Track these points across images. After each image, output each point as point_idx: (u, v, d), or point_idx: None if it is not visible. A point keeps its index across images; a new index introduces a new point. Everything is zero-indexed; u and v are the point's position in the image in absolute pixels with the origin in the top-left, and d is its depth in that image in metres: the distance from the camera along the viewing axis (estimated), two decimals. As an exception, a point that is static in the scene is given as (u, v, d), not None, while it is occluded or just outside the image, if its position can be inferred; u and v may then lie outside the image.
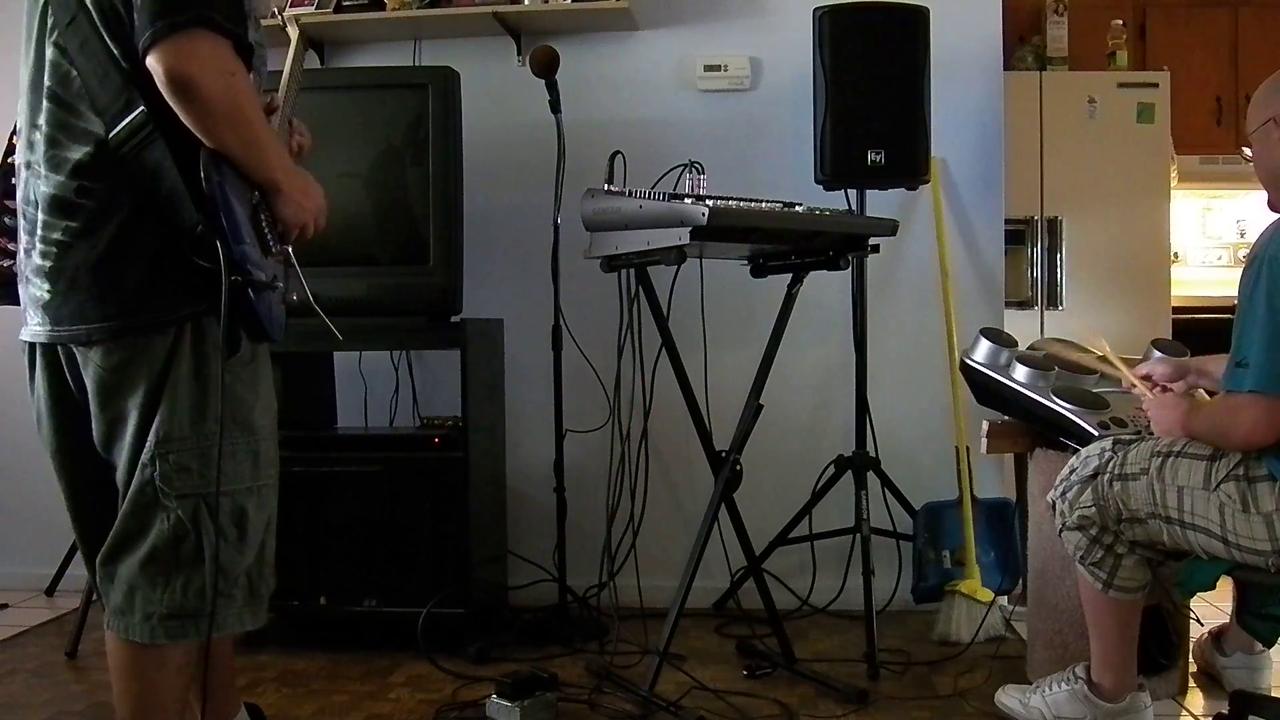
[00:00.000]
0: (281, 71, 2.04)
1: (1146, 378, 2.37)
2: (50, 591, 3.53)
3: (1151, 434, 2.22)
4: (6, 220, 3.23)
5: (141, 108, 1.64)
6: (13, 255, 3.14)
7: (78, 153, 1.70)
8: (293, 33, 2.12)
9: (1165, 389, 2.32)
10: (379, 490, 2.95)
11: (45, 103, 1.73)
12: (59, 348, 1.76)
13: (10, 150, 3.27)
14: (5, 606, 3.44)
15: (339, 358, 3.43)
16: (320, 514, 2.96)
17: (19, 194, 1.78)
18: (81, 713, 2.56)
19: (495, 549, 3.22)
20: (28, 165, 1.76)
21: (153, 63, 1.58)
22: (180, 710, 1.80)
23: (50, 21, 1.71)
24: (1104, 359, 2.51)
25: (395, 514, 2.95)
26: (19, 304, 2.96)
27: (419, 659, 2.83)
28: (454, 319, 3.04)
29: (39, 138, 1.74)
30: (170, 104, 1.60)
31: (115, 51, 1.65)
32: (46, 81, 1.73)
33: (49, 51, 1.72)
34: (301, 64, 2.09)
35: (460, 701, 2.57)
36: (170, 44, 1.57)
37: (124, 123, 1.65)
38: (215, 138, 1.64)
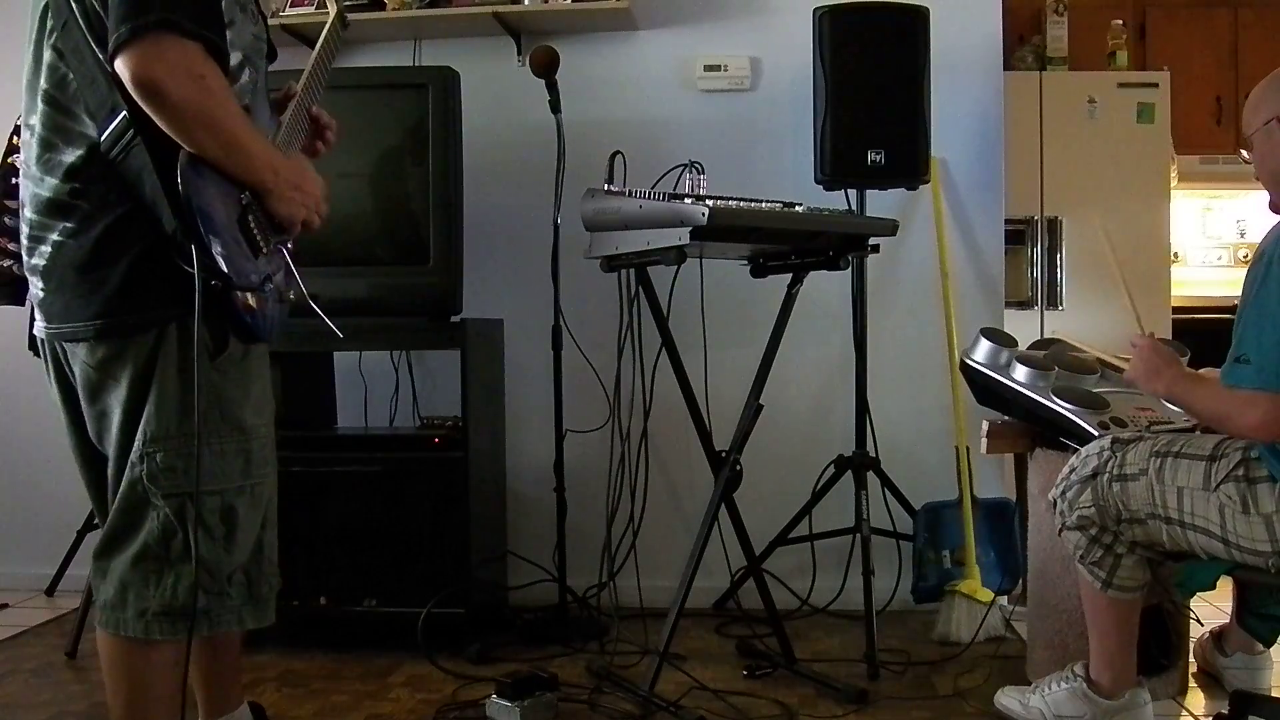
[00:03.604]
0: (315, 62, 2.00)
1: None
2: (50, 591, 3.53)
3: (1152, 434, 2.21)
4: (6, 220, 3.23)
5: (124, 113, 1.64)
6: (13, 255, 3.16)
7: (71, 156, 1.70)
8: (331, 8, 2.08)
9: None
10: (379, 490, 2.95)
11: (40, 105, 1.74)
12: (56, 344, 1.79)
13: (10, 150, 3.28)
14: (5, 606, 3.44)
15: (339, 358, 3.43)
16: (320, 514, 2.96)
17: (20, 194, 1.79)
18: (81, 713, 2.56)
19: (495, 549, 3.23)
20: (25, 166, 1.77)
21: (120, 67, 1.58)
22: (174, 707, 1.81)
23: (50, 24, 1.71)
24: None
25: (395, 514, 2.95)
26: (20, 304, 3.01)
27: (419, 659, 2.83)
28: (454, 319, 3.04)
29: (33, 140, 1.75)
30: (142, 108, 1.60)
31: (100, 56, 1.65)
32: (42, 84, 1.73)
33: (47, 54, 1.72)
34: (334, 47, 2.03)
35: (460, 701, 2.57)
36: (134, 48, 1.56)
37: (110, 128, 1.66)
38: (190, 141, 1.63)
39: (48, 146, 1.73)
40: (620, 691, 2.54)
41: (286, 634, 3.05)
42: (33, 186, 1.74)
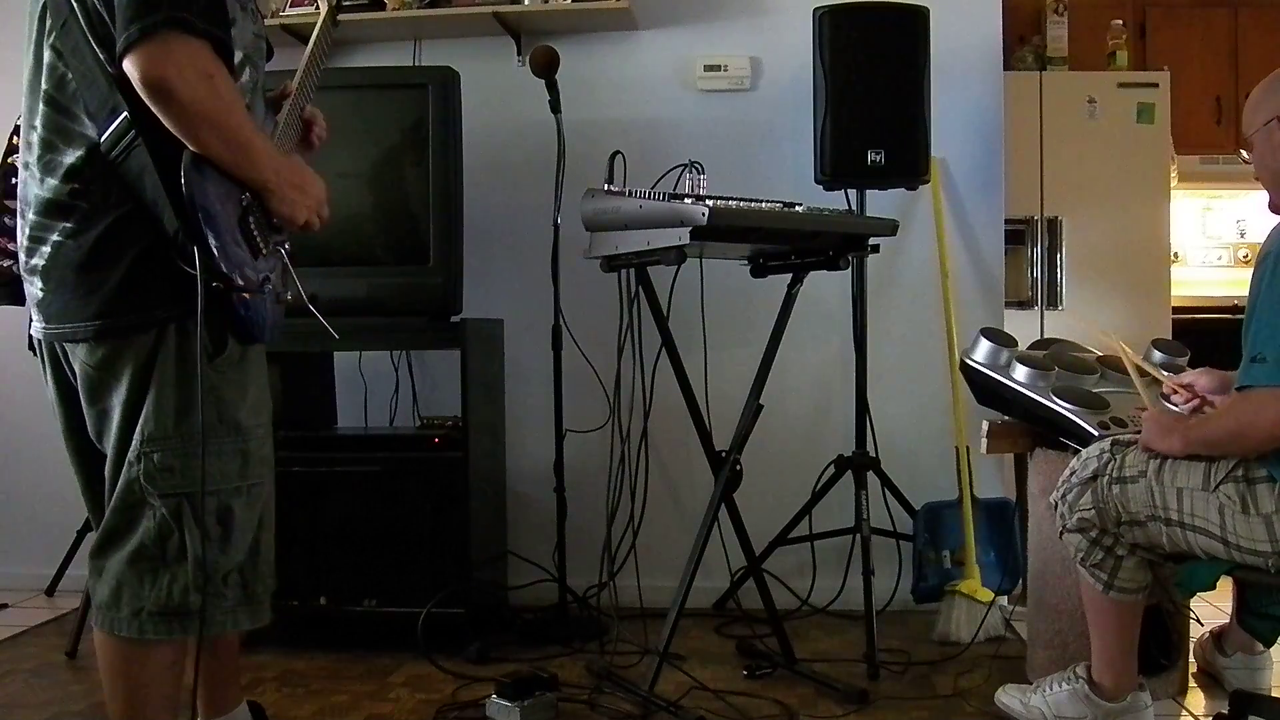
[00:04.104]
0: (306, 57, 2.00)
1: (1188, 387, 2.34)
2: (50, 591, 3.53)
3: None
4: (6, 220, 3.23)
5: (125, 114, 1.64)
6: (13, 255, 3.16)
7: (71, 156, 1.71)
8: (322, 6, 2.07)
9: (1206, 401, 2.29)
10: (379, 490, 2.95)
11: (41, 106, 1.74)
12: (55, 344, 1.79)
13: (10, 150, 3.28)
14: (5, 606, 3.44)
15: (339, 358, 3.43)
16: (320, 514, 2.96)
17: (19, 194, 1.80)
18: (81, 713, 2.56)
19: (495, 549, 3.23)
20: (25, 167, 1.78)
21: (129, 67, 1.58)
22: (172, 708, 1.81)
23: (48, 24, 1.72)
24: (1139, 370, 2.47)
25: (395, 514, 2.95)
26: (20, 304, 2.98)
27: (419, 659, 2.83)
28: (454, 319, 3.04)
29: (35, 140, 1.75)
30: (150, 107, 1.60)
31: (101, 56, 1.65)
32: (43, 84, 1.73)
33: (46, 54, 1.72)
34: (327, 45, 2.03)
35: (460, 701, 2.57)
36: (144, 48, 1.56)
37: (111, 128, 1.66)
38: (196, 140, 1.63)
39: (48, 147, 1.73)
40: (620, 691, 2.54)
41: (286, 634, 3.05)
42: (34, 187, 1.75)
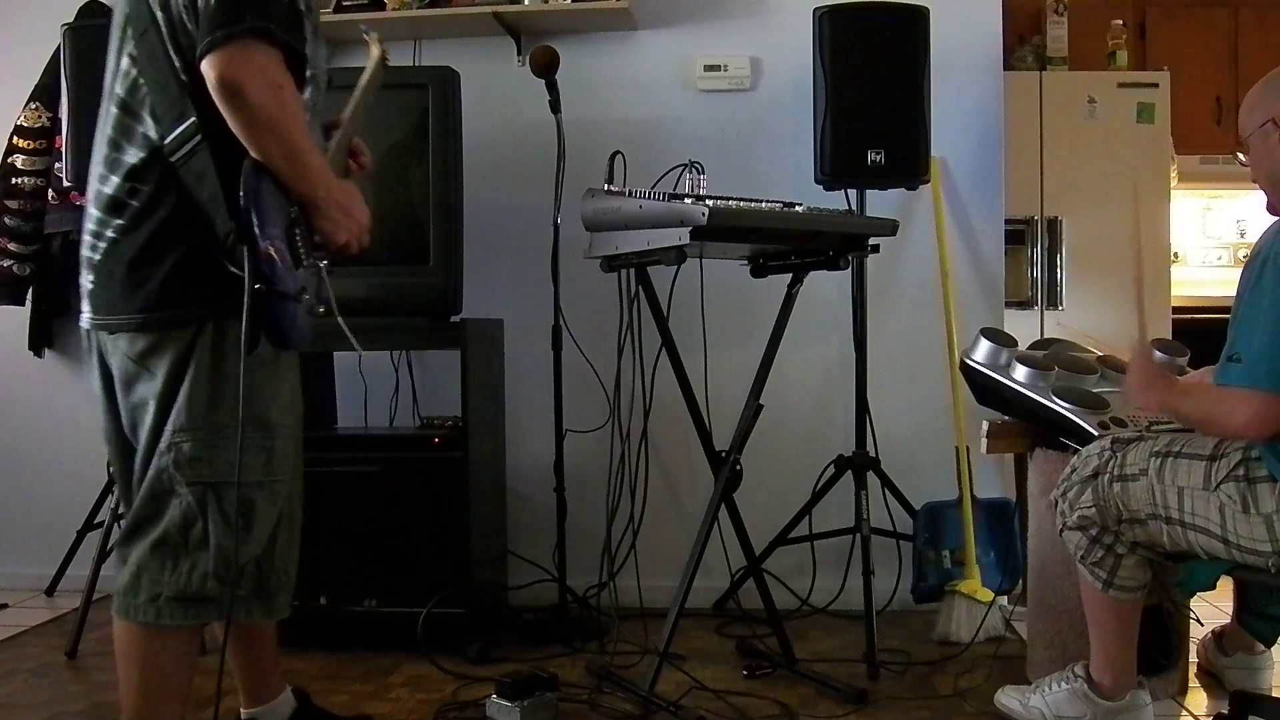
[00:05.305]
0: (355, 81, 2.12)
1: None
2: (50, 591, 3.53)
3: (1152, 434, 2.21)
4: (7, 220, 3.24)
5: (193, 118, 1.74)
6: (13, 255, 3.17)
7: (133, 157, 1.80)
8: (374, 51, 2.15)
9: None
10: (379, 490, 2.95)
11: (113, 109, 1.84)
12: (99, 335, 1.88)
13: (10, 150, 3.28)
14: (5, 606, 3.44)
15: (339, 358, 3.43)
16: (320, 514, 2.94)
17: (88, 191, 1.90)
18: (81, 713, 2.56)
19: (495, 549, 3.23)
20: (93, 165, 1.88)
21: (206, 68, 1.67)
22: (184, 699, 1.87)
23: (129, 33, 1.82)
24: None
25: (395, 514, 2.95)
26: (19, 304, 3.01)
27: (419, 659, 2.83)
28: (454, 319, 3.04)
29: (102, 142, 1.85)
30: (220, 108, 1.69)
31: (177, 64, 1.76)
32: (117, 89, 1.84)
33: (124, 62, 1.83)
34: (377, 84, 2.13)
35: (460, 701, 2.57)
36: (225, 52, 1.65)
37: (177, 131, 1.76)
38: (258, 145, 1.71)
39: (114, 147, 1.83)
40: (620, 691, 2.54)
41: (287, 634, 3.02)
42: (101, 186, 1.84)
